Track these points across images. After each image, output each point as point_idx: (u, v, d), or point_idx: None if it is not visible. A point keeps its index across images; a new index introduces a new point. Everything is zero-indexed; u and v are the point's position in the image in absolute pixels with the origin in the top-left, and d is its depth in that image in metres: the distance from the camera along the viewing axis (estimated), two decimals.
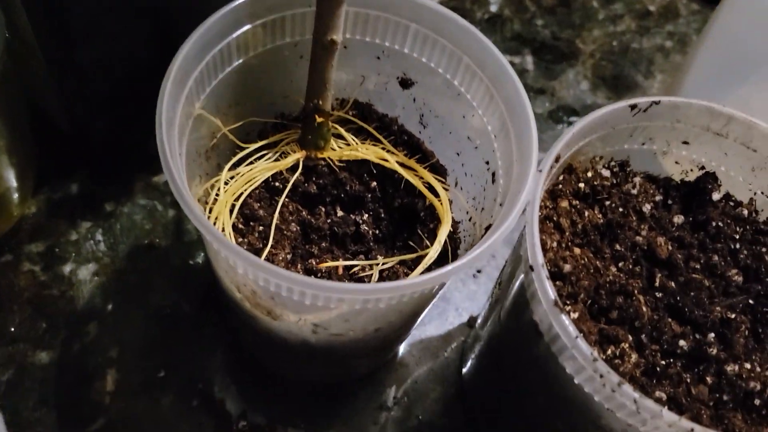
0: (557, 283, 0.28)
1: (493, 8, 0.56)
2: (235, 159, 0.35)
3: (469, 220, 0.34)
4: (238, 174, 0.35)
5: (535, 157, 0.28)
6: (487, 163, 0.33)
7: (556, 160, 0.29)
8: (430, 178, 0.35)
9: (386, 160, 0.36)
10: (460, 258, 0.27)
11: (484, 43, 0.31)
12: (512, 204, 0.27)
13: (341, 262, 0.33)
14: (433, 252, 0.32)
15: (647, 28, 0.58)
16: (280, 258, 0.34)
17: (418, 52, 0.34)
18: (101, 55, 0.38)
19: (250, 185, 0.35)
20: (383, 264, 0.33)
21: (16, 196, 0.39)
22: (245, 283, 0.29)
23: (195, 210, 0.26)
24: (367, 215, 0.36)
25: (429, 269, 0.32)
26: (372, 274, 0.33)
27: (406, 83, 0.35)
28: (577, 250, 0.30)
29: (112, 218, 0.43)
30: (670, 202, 0.34)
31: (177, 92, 0.28)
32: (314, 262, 0.34)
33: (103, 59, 0.38)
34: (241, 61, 0.32)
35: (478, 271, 0.44)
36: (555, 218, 0.30)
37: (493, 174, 0.32)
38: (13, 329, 0.39)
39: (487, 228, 0.30)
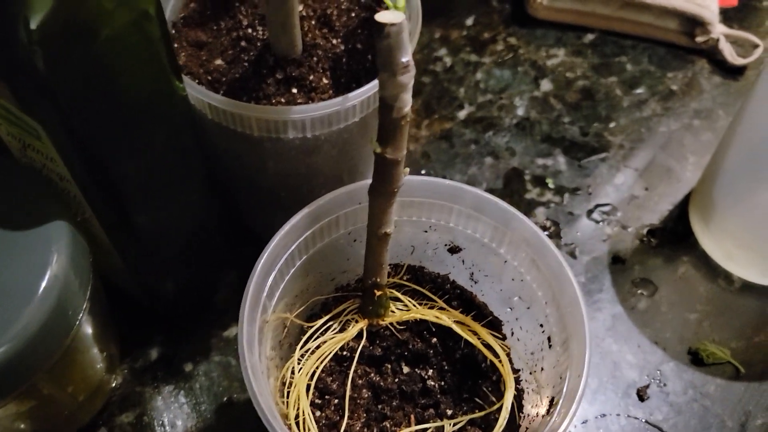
0: None
1: (520, 112, 0.59)
2: (305, 338, 0.37)
3: (530, 373, 0.36)
4: (308, 350, 0.38)
5: (588, 352, 0.30)
6: (541, 326, 0.35)
7: None
8: (485, 335, 0.37)
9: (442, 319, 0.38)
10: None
11: (524, 221, 0.34)
12: (570, 400, 0.29)
13: (414, 427, 0.35)
14: (502, 420, 0.34)
15: (672, 109, 0.59)
16: (357, 429, 0.36)
17: (462, 226, 0.36)
18: (157, 220, 0.41)
19: (321, 361, 0.37)
20: (454, 425, 0.36)
21: (105, 376, 0.43)
22: None
23: None
24: (431, 370, 0.39)
25: None
26: None
27: (454, 250, 0.38)
28: None
29: (191, 379, 0.46)
30: None
31: (253, 313, 0.31)
32: (388, 425, 0.37)
33: (160, 223, 0.41)
34: (303, 259, 0.35)
35: None
36: None
37: (549, 338, 0.34)
38: None
39: (551, 401, 0.32)
